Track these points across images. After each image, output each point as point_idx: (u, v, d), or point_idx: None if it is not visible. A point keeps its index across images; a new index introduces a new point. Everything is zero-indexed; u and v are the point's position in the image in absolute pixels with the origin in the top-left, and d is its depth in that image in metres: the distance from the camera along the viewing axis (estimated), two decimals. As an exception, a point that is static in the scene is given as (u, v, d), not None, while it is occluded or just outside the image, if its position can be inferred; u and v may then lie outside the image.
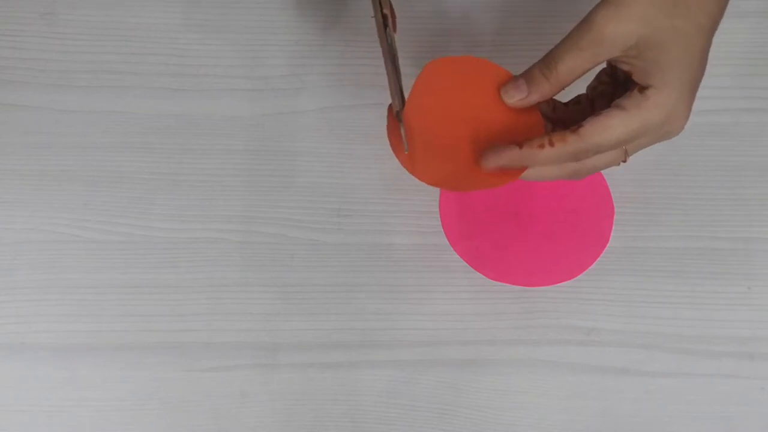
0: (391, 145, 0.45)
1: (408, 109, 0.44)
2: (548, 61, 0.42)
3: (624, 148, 0.43)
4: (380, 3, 0.45)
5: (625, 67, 0.42)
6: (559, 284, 0.52)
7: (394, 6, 0.49)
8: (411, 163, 0.44)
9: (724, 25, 0.56)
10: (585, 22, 0.41)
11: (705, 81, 0.56)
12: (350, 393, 0.54)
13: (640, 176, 0.56)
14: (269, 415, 0.54)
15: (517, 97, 0.44)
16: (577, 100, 0.46)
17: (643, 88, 0.41)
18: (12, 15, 0.57)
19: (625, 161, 0.44)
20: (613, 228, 0.52)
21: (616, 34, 0.40)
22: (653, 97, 0.41)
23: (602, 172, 0.51)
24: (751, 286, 0.55)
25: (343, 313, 0.55)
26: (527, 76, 0.43)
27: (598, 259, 0.51)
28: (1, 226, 0.55)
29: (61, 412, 0.54)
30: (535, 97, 0.43)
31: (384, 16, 0.45)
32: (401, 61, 0.47)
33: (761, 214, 0.55)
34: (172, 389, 0.54)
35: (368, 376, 0.54)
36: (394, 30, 0.47)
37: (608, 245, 0.51)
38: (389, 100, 0.45)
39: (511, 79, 0.44)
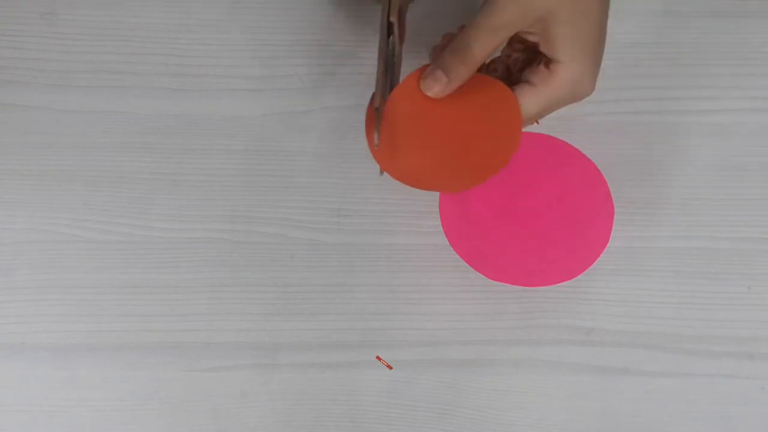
0: (368, 138, 0.45)
1: (390, 105, 0.45)
2: (462, 45, 0.43)
3: None
4: (389, 10, 0.45)
5: (532, 38, 0.44)
6: (559, 284, 0.51)
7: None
8: (383, 157, 0.45)
9: (725, 25, 0.56)
10: (492, 2, 0.42)
11: (705, 81, 0.56)
12: (350, 393, 0.54)
13: (640, 176, 0.56)
14: (269, 415, 0.54)
15: (437, 88, 0.44)
16: (494, 67, 0.47)
17: (549, 62, 0.43)
18: (12, 15, 0.57)
19: (537, 124, 0.46)
20: (613, 228, 0.52)
21: (523, 11, 0.42)
22: (560, 72, 0.43)
23: (602, 172, 0.52)
24: (751, 286, 0.55)
25: (343, 313, 0.55)
26: (442, 64, 0.44)
27: (598, 259, 0.51)
28: (1, 226, 0.55)
29: (61, 412, 0.54)
30: (454, 84, 0.44)
31: (390, 24, 0.45)
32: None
33: (761, 214, 0.55)
34: (172, 389, 0.54)
35: (368, 376, 0.54)
36: (402, 40, 0.47)
37: (608, 245, 0.51)
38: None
39: (428, 71, 0.44)
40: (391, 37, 0.45)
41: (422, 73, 0.45)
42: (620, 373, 0.54)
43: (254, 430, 0.54)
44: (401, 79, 0.46)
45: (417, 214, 0.55)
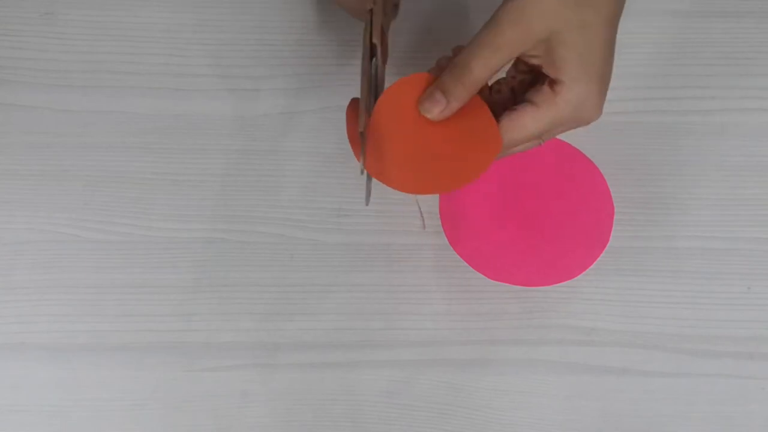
0: (356, 155, 0.45)
1: (376, 116, 0.44)
2: (461, 65, 0.42)
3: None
4: (370, 32, 0.44)
5: (535, 61, 0.43)
6: (559, 284, 0.52)
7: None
8: (379, 172, 0.44)
9: (724, 25, 0.56)
10: (493, 22, 0.41)
11: (705, 81, 0.56)
12: (350, 393, 0.54)
13: (640, 176, 0.56)
14: (269, 415, 0.54)
15: (436, 110, 0.43)
16: (498, 89, 0.46)
17: (553, 83, 0.42)
18: (12, 15, 0.57)
19: (541, 144, 0.45)
20: (613, 228, 0.52)
21: (525, 32, 0.41)
22: (562, 93, 0.42)
23: (602, 172, 0.52)
24: (751, 286, 0.55)
25: (343, 313, 0.55)
26: (442, 86, 0.42)
27: (598, 259, 0.51)
28: (1, 226, 0.55)
29: (61, 412, 0.54)
30: (454, 105, 0.43)
31: (372, 46, 0.44)
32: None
33: (761, 214, 0.55)
34: (172, 389, 0.54)
35: (368, 376, 0.54)
36: (384, 61, 0.47)
37: (608, 245, 0.52)
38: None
39: (426, 93, 0.43)
40: (374, 59, 0.44)
41: (403, 84, 0.44)
42: (620, 372, 0.54)
43: (254, 430, 0.54)
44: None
45: (417, 214, 0.55)
